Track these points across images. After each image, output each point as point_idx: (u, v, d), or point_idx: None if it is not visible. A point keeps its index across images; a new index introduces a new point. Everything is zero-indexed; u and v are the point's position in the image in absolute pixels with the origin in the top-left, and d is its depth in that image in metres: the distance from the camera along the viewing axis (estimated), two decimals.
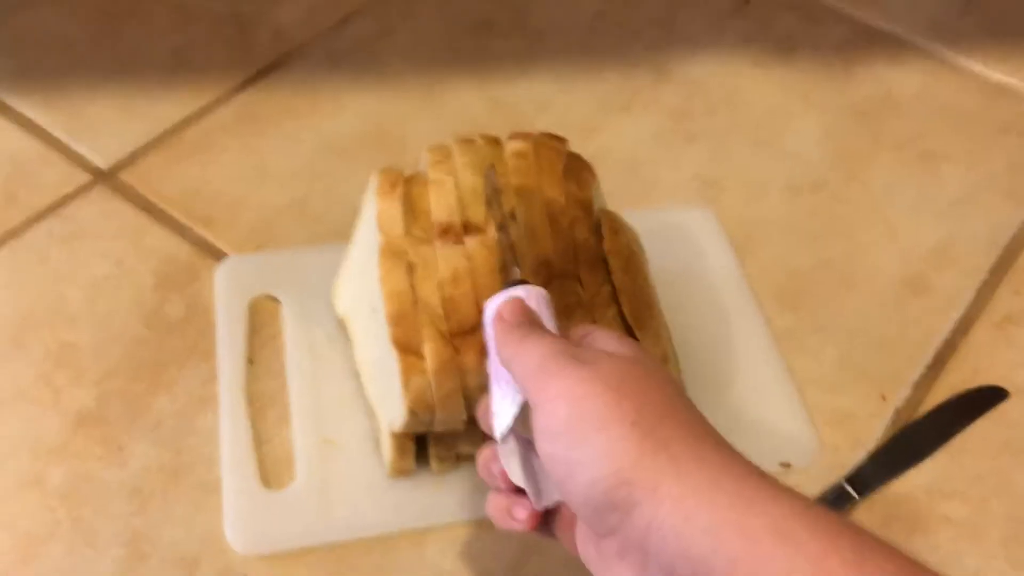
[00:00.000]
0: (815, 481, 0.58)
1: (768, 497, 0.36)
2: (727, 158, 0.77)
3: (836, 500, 0.57)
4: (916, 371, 0.64)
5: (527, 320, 0.45)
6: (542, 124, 0.78)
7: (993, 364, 0.64)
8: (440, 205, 0.55)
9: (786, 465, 0.58)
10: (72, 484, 0.56)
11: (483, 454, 0.46)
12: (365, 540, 0.54)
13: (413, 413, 0.52)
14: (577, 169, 0.60)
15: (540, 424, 0.40)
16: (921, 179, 0.76)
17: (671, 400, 0.40)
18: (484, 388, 0.51)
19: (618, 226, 0.58)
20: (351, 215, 0.63)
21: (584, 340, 0.45)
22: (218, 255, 0.68)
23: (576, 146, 0.62)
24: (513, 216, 0.54)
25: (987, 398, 0.62)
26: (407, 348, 0.52)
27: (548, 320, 0.46)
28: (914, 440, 0.60)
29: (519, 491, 0.45)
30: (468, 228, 0.54)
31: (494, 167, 0.54)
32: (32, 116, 0.76)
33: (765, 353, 0.64)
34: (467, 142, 0.59)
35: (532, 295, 0.47)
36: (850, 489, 0.57)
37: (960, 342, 0.65)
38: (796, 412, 0.61)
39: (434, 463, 0.56)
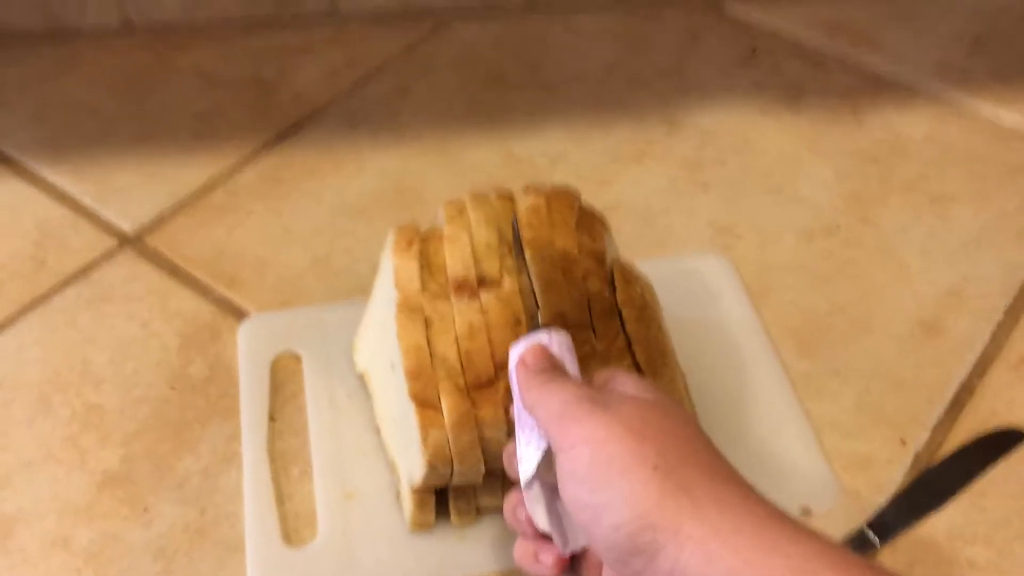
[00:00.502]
0: (836, 527, 0.58)
1: (790, 539, 0.36)
2: (740, 206, 0.78)
3: (858, 546, 0.56)
4: (934, 414, 0.63)
5: (550, 366, 0.46)
6: (556, 177, 0.79)
7: (1011, 406, 0.64)
8: (455, 260, 0.56)
9: (807, 511, 0.58)
10: (98, 545, 0.57)
11: (510, 500, 0.47)
12: None
13: (432, 467, 0.52)
14: (589, 221, 0.61)
15: (564, 469, 0.41)
16: (933, 222, 0.76)
17: (691, 442, 0.41)
18: (502, 441, 0.52)
19: (631, 276, 0.59)
20: (371, 271, 0.64)
21: (607, 385, 0.46)
22: (241, 315, 0.69)
23: (590, 197, 0.63)
24: (527, 270, 0.55)
25: (1006, 440, 0.62)
26: (425, 402, 0.53)
27: (571, 365, 0.47)
28: (935, 484, 0.60)
29: (546, 537, 0.45)
30: (483, 282, 0.55)
31: (516, 219, 0.56)
32: (60, 184, 0.79)
33: (783, 399, 0.64)
34: (481, 197, 0.60)
35: (555, 341, 0.48)
36: (872, 535, 0.57)
37: (977, 384, 0.65)
38: (815, 458, 0.61)
39: (454, 516, 0.57)
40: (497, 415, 0.52)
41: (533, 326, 0.51)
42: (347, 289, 0.71)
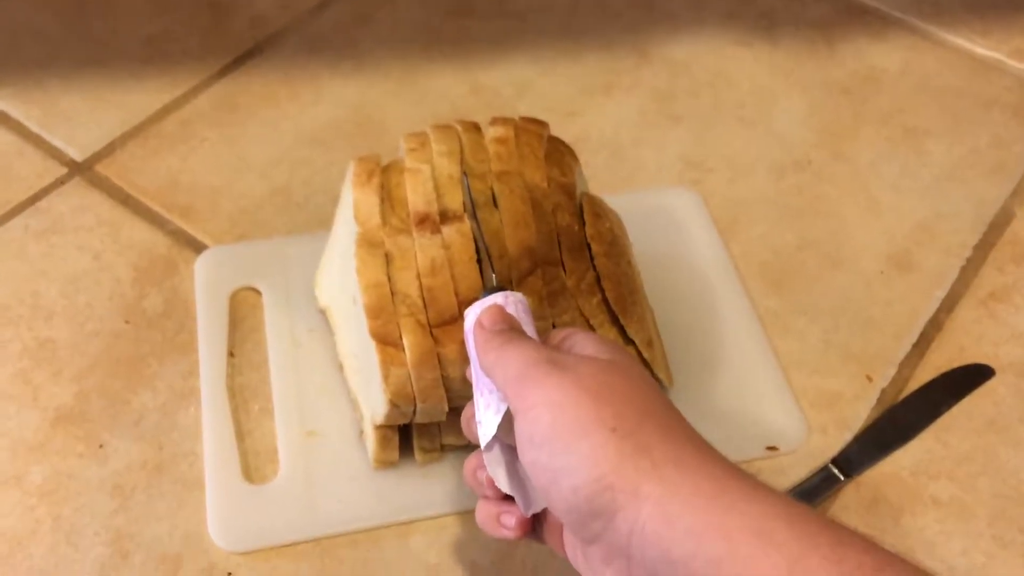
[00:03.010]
0: (802, 463, 0.58)
1: (748, 497, 0.36)
2: (711, 139, 0.76)
3: (823, 483, 0.56)
4: (901, 350, 0.63)
5: (507, 327, 0.45)
6: (523, 107, 0.77)
7: (978, 342, 0.64)
8: (417, 194, 0.54)
9: (773, 448, 0.58)
10: (53, 482, 0.56)
11: (469, 463, 0.46)
12: (350, 533, 0.54)
13: (394, 405, 0.51)
14: (559, 154, 0.59)
15: (522, 433, 0.40)
16: (905, 156, 0.75)
17: (650, 402, 0.40)
18: (465, 379, 0.50)
19: (600, 211, 0.58)
20: (332, 203, 0.62)
21: (564, 343, 0.45)
22: (198, 247, 0.67)
23: (558, 129, 0.61)
24: (495, 203, 0.54)
25: (973, 376, 0.62)
26: (386, 340, 0.51)
27: (528, 325, 0.46)
28: (900, 420, 0.60)
29: (507, 498, 0.45)
30: (445, 217, 0.54)
31: (466, 175, 0.54)
32: (5, 109, 0.75)
33: (751, 335, 0.63)
34: (444, 128, 0.58)
35: (511, 301, 0.47)
36: (836, 471, 0.57)
37: (945, 320, 0.65)
38: (782, 395, 0.60)
39: (418, 454, 0.56)
40: (461, 353, 0.51)
41: (487, 282, 0.50)
42: (307, 221, 0.69)
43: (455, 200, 0.54)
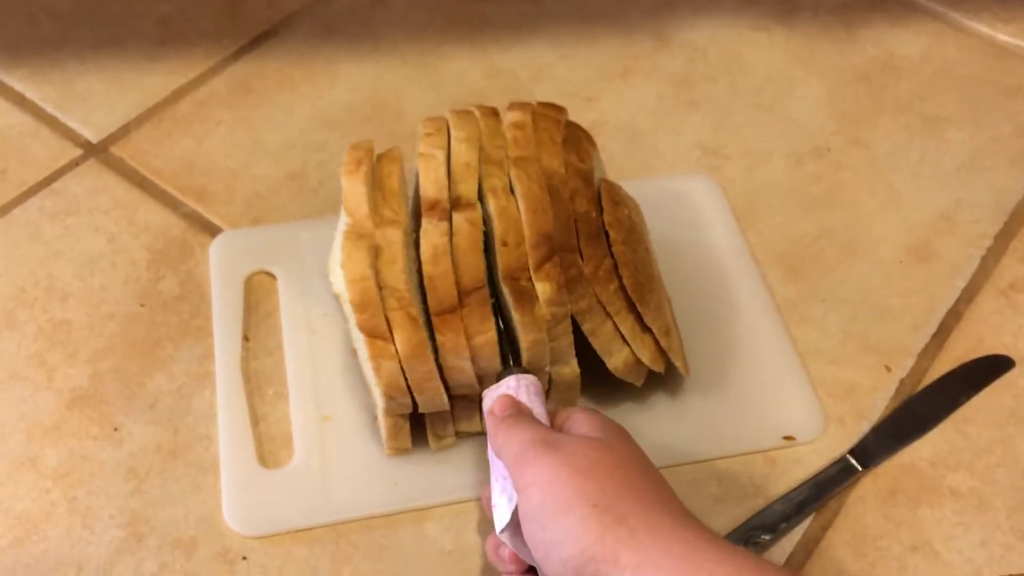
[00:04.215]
0: (819, 454, 0.57)
1: (715, 559, 0.40)
2: (729, 125, 0.75)
3: (840, 473, 0.56)
4: (920, 341, 0.63)
5: (516, 411, 0.49)
6: (540, 92, 0.77)
7: (999, 332, 0.63)
8: (428, 180, 0.54)
9: (790, 438, 0.58)
10: (68, 464, 0.56)
11: (491, 541, 0.49)
12: (365, 519, 0.54)
13: (390, 397, 0.51)
14: (577, 139, 0.59)
15: (521, 509, 0.44)
16: (925, 144, 0.74)
17: (632, 475, 0.44)
18: (465, 369, 0.51)
19: (618, 197, 0.57)
20: None
21: (565, 424, 0.49)
22: (213, 230, 0.67)
23: (575, 114, 0.61)
24: (512, 189, 0.53)
25: (993, 367, 0.61)
26: (374, 333, 0.50)
27: (538, 406, 0.50)
28: (919, 411, 0.59)
29: (527, 572, 0.47)
30: (458, 203, 0.53)
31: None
32: (21, 90, 0.75)
33: (768, 324, 0.63)
34: (463, 114, 0.57)
35: (523, 384, 0.51)
36: (854, 462, 0.56)
37: (965, 311, 0.64)
38: (800, 384, 0.60)
39: (432, 441, 0.55)
40: (459, 342, 0.50)
41: (504, 370, 0.52)
42: (321, 206, 0.69)
43: (470, 188, 0.53)
